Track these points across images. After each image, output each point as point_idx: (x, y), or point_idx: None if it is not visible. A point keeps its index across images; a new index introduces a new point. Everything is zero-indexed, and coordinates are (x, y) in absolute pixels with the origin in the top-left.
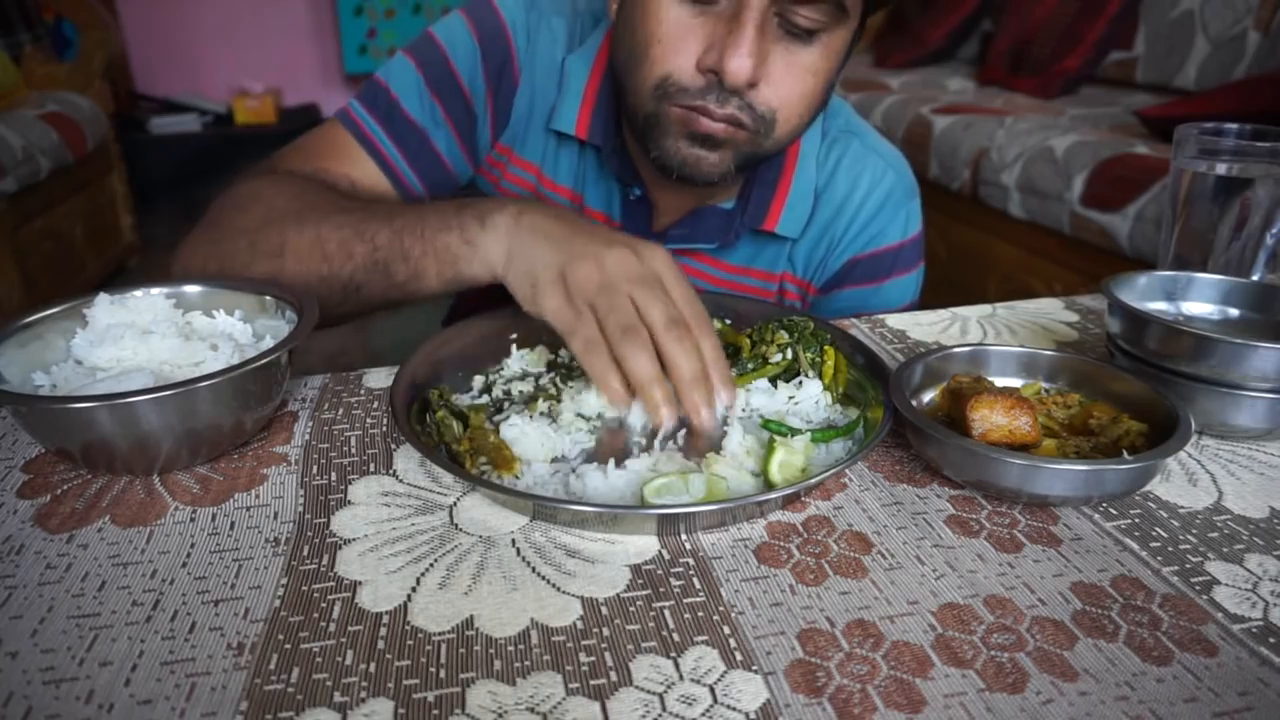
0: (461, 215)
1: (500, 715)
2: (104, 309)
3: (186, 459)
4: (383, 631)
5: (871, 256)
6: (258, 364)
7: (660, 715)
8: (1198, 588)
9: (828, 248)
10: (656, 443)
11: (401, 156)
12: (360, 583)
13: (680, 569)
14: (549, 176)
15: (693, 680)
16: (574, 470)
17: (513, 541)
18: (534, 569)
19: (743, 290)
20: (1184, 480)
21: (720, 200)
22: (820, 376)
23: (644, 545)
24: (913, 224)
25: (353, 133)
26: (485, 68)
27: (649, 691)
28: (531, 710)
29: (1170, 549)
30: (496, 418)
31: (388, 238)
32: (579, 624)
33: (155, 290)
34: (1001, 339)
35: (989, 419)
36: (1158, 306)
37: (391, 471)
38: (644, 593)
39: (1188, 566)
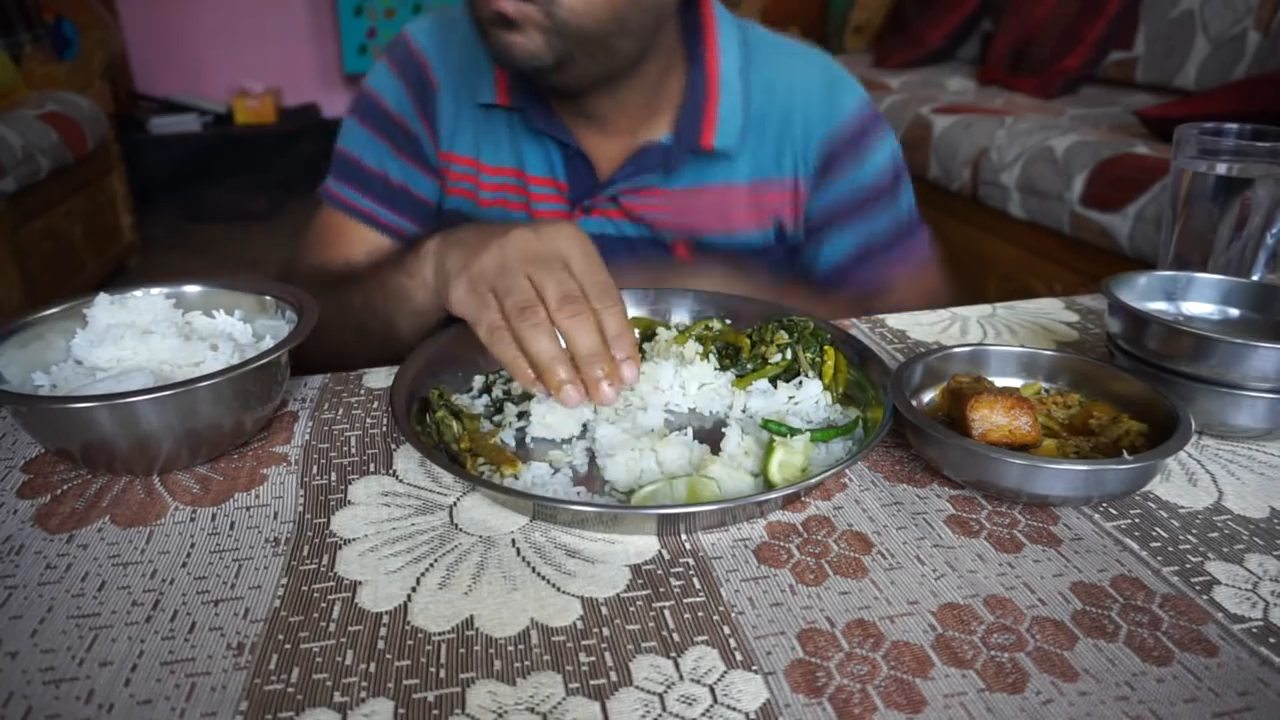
0: (404, 255)
1: (500, 715)
2: (104, 309)
3: (186, 459)
4: (383, 631)
5: (841, 127)
6: (258, 364)
7: (660, 715)
8: (1198, 588)
9: (795, 144)
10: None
11: (381, 206)
12: (360, 583)
13: (680, 569)
14: (487, 163)
15: (693, 680)
16: (593, 444)
17: (513, 541)
18: (534, 569)
19: (703, 215)
20: (1184, 480)
21: (657, 135)
22: (820, 376)
23: (644, 545)
24: (860, 91)
25: (338, 208)
26: (407, 89)
27: (649, 691)
28: (531, 710)
29: (1170, 549)
30: (497, 417)
31: (361, 299)
32: (579, 624)
33: (155, 290)
34: (1001, 339)
35: (989, 419)
36: (1158, 306)
37: (391, 471)
38: (644, 593)
39: (1188, 566)
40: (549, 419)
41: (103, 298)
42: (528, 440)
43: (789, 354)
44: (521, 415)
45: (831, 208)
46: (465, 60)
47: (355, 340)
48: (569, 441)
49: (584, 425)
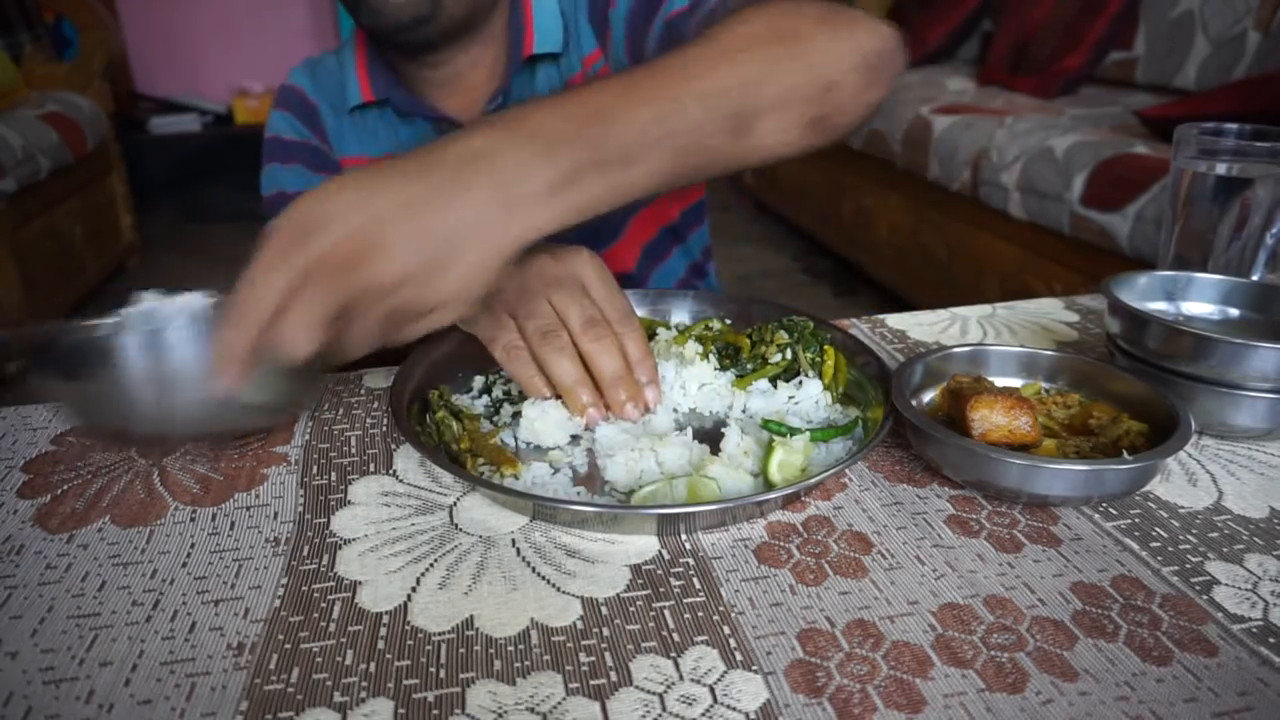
0: None
1: (500, 715)
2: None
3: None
4: (383, 631)
5: None
6: None
7: (660, 715)
8: (1198, 588)
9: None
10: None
11: None
12: (360, 583)
13: (680, 569)
14: (380, 155)
15: (693, 680)
16: (592, 444)
17: (513, 541)
18: (534, 569)
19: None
20: (1184, 480)
21: (501, 78)
22: (820, 376)
23: (644, 545)
24: None
25: None
26: (296, 117)
27: (649, 691)
28: (531, 710)
29: (1170, 549)
30: (496, 418)
31: None
32: (579, 624)
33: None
34: (1001, 339)
35: (989, 419)
36: (1158, 306)
37: (391, 471)
38: (644, 593)
39: (1188, 566)
40: (537, 425)
41: (147, 295)
42: (521, 442)
43: (789, 354)
44: (515, 415)
45: (626, 20)
46: (331, 81)
47: None
48: (565, 444)
49: (573, 435)
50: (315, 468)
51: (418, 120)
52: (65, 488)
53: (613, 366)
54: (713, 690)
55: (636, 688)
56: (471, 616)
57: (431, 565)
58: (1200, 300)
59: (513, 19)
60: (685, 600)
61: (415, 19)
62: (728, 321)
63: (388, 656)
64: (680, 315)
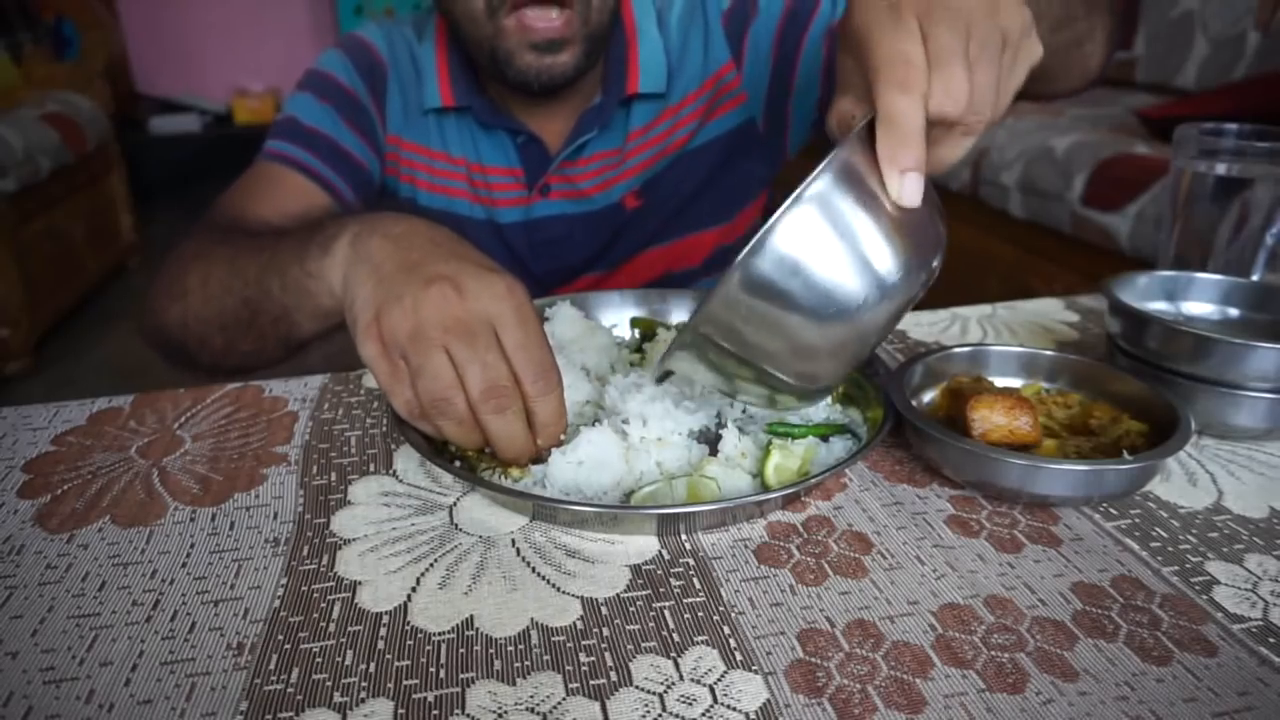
0: (309, 243)
1: (500, 715)
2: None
3: None
4: (383, 631)
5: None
6: None
7: (660, 715)
8: (1198, 588)
9: (707, 34)
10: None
11: (317, 159)
12: (360, 583)
13: (680, 569)
14: (439, 154)
15: (693, 680)
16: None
17: (513, 541)
18: (534, 569)
19: (653, 151)
20: (1184, 480)
21: (592, 100)
22: None
23: (644, 545)
24: None
25: (272, 160)
26: (358, 69)
27: (649, 691)
28: (531, 710)
29: (1170, 549)
30: None
31: (256, 274)
32: (579, 624)
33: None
34: (1001, 339)
35: (989, 419)
36: (1158, 306)
37: (391, 471)
38: (644, 593)
39: (1188, 566)
40: None
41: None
42: None
43: None
44: None
45: (774, 34)
46: (405, 62)
47: (243, 312)
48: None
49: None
50: (315, 468)
51: (497, 131)
52: (65, 488)
53: (512, 448)
54: (713, 690)
55: (636, 688)
56: (471, 616)
57: (431, 565)
58: (1200, 300)
59: (614, 54)
60: (685, 600)
61: (566, 79)
62: None
63: (387, 657)
64: (680, 315)
